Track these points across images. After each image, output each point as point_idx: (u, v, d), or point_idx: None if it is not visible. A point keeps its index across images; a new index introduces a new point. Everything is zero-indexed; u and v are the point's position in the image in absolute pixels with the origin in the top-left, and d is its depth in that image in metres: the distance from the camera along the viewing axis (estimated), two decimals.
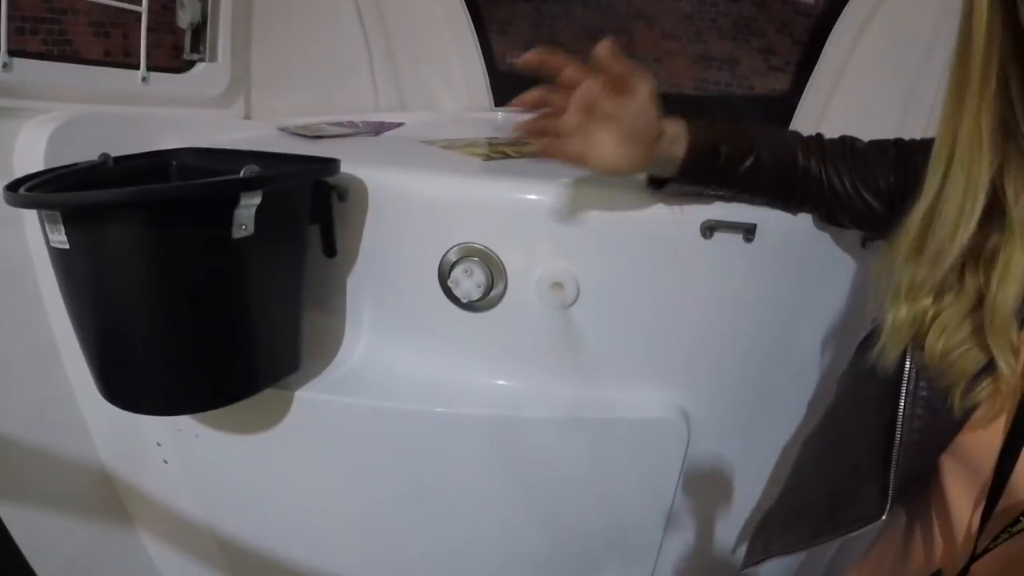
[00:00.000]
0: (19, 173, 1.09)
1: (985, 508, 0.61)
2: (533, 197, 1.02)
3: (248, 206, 0.86)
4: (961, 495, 0.66)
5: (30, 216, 1.14)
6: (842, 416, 0.81)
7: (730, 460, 1.18)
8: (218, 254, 0.88)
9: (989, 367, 0.59)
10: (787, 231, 0.97)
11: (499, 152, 1.27)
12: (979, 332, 0.59)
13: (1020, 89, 0.56)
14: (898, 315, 0.65)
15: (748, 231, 0.98)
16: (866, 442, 0.73)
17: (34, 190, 0.89)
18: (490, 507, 1.15)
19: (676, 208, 0.97)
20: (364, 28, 2.03)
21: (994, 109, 0.57)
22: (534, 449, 1.08)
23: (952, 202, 0.59)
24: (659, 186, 0.92)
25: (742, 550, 0.99)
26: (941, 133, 0.61)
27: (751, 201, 0.94)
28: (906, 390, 0.68)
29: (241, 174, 0.86)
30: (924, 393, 0.66)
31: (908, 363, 0.66)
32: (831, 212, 0.90)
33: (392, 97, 2.11)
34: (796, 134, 0.91)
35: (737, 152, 0.86)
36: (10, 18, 1.15)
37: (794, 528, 0.84)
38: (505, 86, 2.15)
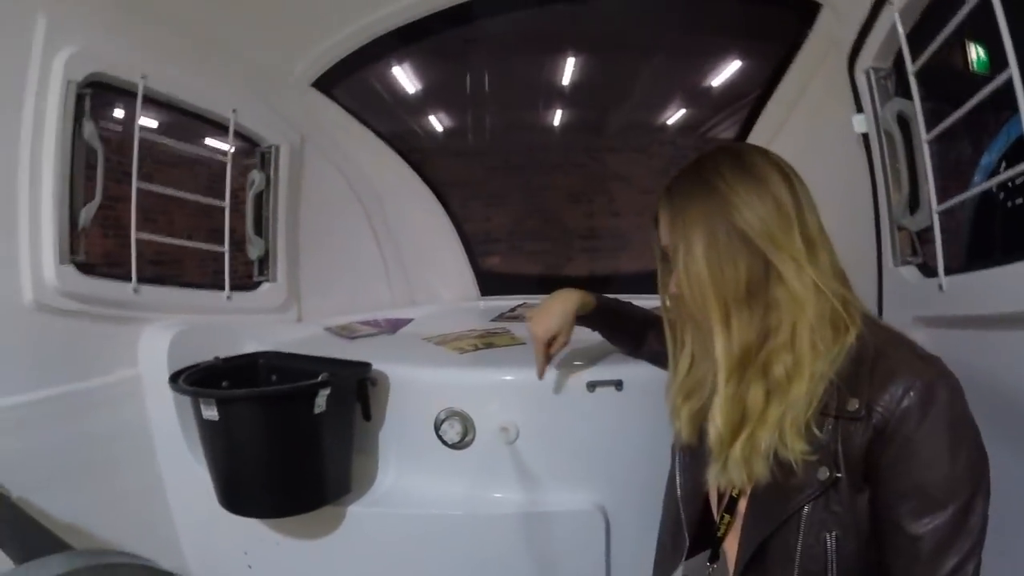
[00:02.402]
0: (143, 363, 1.75)
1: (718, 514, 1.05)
2: (488, 379, 1.69)
3: (322, 395, 1.53)
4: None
5: (150, 394, 1.75)
6: (667, 487, 1.19)
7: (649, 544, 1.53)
8: (305, 422, 1.54)
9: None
10: (645, 381, 1.53)
11: (472, 346, 1.93)
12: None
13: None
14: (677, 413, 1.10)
15: (617, 385, 1.61)
16: (675, 505, 1.14)
17: (183, 381, 1.55)
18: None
19: (569, 376, 1.61)
20: (379, 245, 2.70)
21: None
22: (498, 536, 1.64)
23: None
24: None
25: None
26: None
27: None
28: (679, 457, 1.13)
29: (319, 378, 1.54)
30: (687, 459, 1.11)
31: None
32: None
33: (404, 293, 2.76)
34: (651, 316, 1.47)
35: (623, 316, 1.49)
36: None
37: (661, 565, 1.19)
38: (487, 280, 2.82)
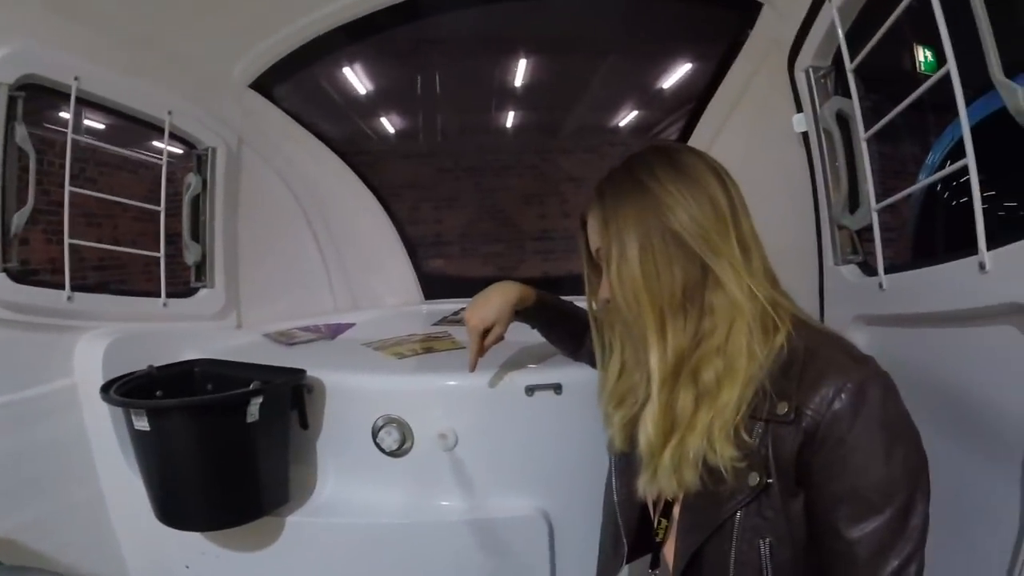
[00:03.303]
0: (78, 371, 1.71)
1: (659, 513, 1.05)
2: (425, 384, 1.68)
3: (255, 404, 1.50)
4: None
5: (87, 404, 1.71)
6: (606, 491, 1.19)
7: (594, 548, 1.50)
8: (238, 431, 1.51)
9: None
10: (584, 384, 1.47)
11: (411, 351, 1.91)
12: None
13: None
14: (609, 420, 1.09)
15: (556, 388, 1.60)
16: (612, 509, 1.14)
17: (115, 391, 1.52)
18: None
19: (507, 380, 1.60)
20: (321, 251, 2.67)
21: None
22: (440, 544, 1.63)
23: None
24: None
25: None
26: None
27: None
28: (614, 462, 1.13)
29: (251, 387, 1.50)
30: (622, 465, 1.10)
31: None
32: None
33: (347, 299, 2.72)
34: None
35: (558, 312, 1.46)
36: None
37: (604, 568, 1.18)
38: (432, 283, 2.81)
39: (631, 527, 1.10)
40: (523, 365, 1.65)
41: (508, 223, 6.05)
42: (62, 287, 1.72)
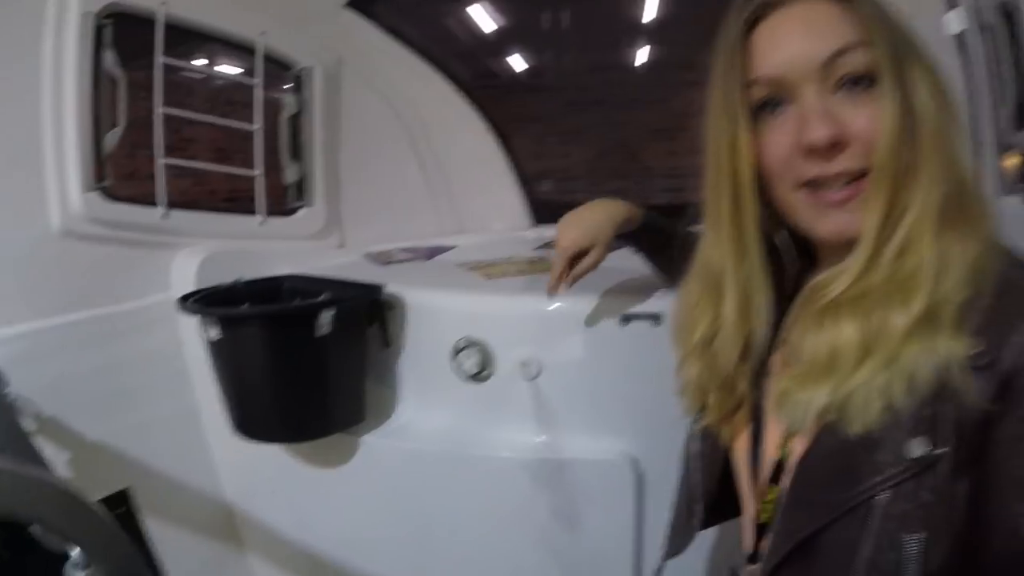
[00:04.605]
0: (175, 287, 1.72)
1: (754, 496, 0.79)
2: (510, 306, 1.54)
3: (325, 317, 1.41)
4: (748, 495, 0.81)
5: (182, 318, 1.71)
6: (685, 446, 0.97)
7: None
8: (307, 343, 1.44)
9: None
10: None
11: (503, 272, 1.78)
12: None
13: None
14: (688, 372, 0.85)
15: (654, 319, 1.41)
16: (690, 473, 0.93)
17: (196, 302, 1.49)
18: (489, 526, 1.57)
19: (600, 307, 1.43)
20: (426, 174, 2.59)
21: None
22: (515, 481, 1.50)
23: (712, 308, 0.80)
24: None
25: None
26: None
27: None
28: (695, 428, 0.90)
29: (320, 298, 1.41)
30: (706, 430, 0.87)
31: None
32: None
33: (452, 222, 2.64)
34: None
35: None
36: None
37: (675, 537, 0.99)
38: (541, 208, 2.66)
39: (710, 487, 0.90)
40: (618, 291, 1.47)
41: (635, 158, 5.79)
42: (155, 205, 1.74)
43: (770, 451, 0.78)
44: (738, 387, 0.81)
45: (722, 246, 0.76)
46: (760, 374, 0.81)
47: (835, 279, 0.67)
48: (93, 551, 0.67)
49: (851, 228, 0.67)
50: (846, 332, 0.65)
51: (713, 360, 0.81)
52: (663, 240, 1.26)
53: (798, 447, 0.71)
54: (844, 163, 0.65)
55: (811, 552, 0.68)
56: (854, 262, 0.66)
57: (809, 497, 0.69)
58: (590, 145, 5.88)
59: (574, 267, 1.25)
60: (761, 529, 0.78)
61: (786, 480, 0.73)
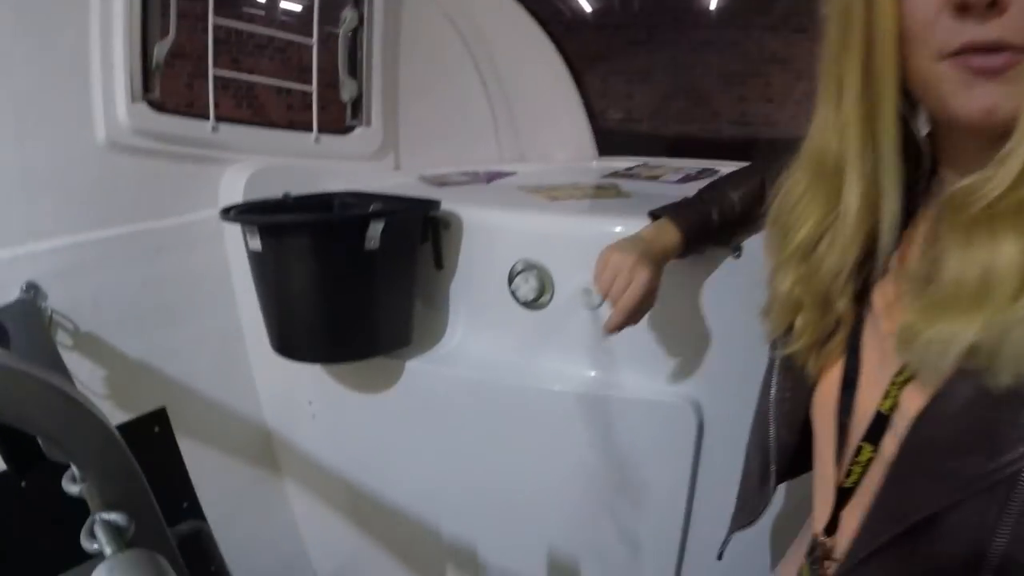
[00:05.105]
0: (222, 204, 1.63)
1: (836, 452, 0.65)
2: (575, 228, 1.41)
3: (375, 229, 1.31)
4: (827, 450, 0.68)
5: (229, 234, 1.65)
6: (760, 398, 0.83)
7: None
8: (354, 258, 1.34)
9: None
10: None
11: (568, 195, 1.65)
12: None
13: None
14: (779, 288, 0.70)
15: (735, 249, 1.27)
16: (765, 417, 0.80)
17: (239, 214, 1.39)
18: (539, 460, 1.48)
19: None
20: (489, 96, 2.45)
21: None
22: (569, 417, 1.41)
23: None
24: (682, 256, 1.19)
25: None
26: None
27: (747, 231, 1.21)
28: (777, 362, 0.76)
29: (370, 209, 1.31)
30: (787, 364, 0.73)
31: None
32: None
33: (513, 150, 2.50)
34: (758, 167, 1.14)
35: (724, 207, 1.15)
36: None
37: (746, 504, 0.89)
38: (607, 139, 2.51)
39: (788, 439, 0.77)
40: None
41: (703, 102, 5.53)
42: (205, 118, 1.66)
43: (867, 400, 0.63)
44: (837, 306, 0.66)
45: (845, 127, 0.61)
46: (861, 302, 0.66)
47: (988, 181, 0.52)
48: (84, 461, 0.59)
49: (1006, 105, 0.51)
50: (1005, 251, 0.49)
51: (814, 269, 0.66)
52: (716, 233, 1.17)
53: (914, 400, 0.56)
54: (1003, 30, 0.50)
55: (924, 537, 0.54)
56: (1014, 158, 0.50)
57: (929, 467, 0.54)
58: (655, 88, 5.63)
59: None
60: (843, 494, 0.65)
61: (890, 441, 0.59)
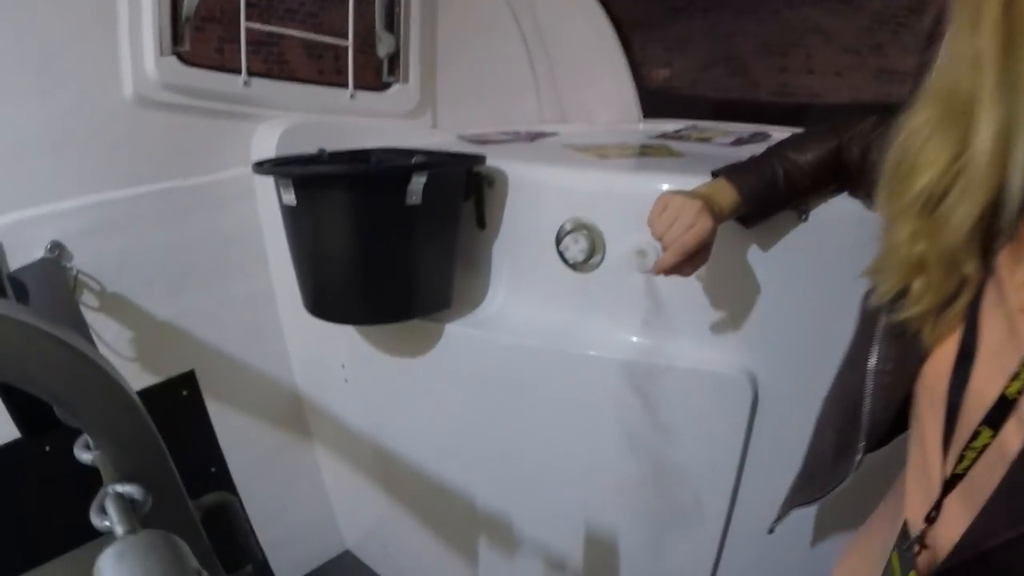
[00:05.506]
0: (255, 160, 1.56)
1: (944, 434, 0.61)
2: (630, 185, 1.31)
3: (417, 183, 1.23)
4: (933, 431, 0.63)
5: (261, 193, 1.60)
6: (844, 370, 0.81)
7: (805, 430, 1.28)
8: (394, 214, 1.27)
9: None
10: (839, 209, 1.12)
11: (618, 153, 1.56)
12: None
13: None
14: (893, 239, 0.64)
15: (802, 210, 1.17)
16: (855, 390, 0.74)
17: (273, 168, 1.33)
18: (580, 430, 1.42)
19: None
20: (529, 53, 2.35)
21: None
22: (617, 385, 1.33)
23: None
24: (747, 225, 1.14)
25: None
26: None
27: (819, 196, 1.13)
28: (882, 329, 0.70)
29: (412, 161, 1.23)
30: (896, 331, 0.66)
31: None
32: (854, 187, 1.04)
33: (555, 111, 2.41)
34: (831, 128, 1.05)
35: (791, 170, 1.06)
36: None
37: (813, 480, 0.87)
38: (653, 100, 2.40)
39: (879, 418, 0.71)
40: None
41: (742, 72, 5.37)
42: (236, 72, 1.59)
43: (985, 379, 0.56)
44: (964, 268, 0.58)
45: (979, 58, 0.53)
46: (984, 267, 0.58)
47: None
48: (97, 425, 0.52)
49: None
50: None
51: (941, 223, 0.58)
52: (784, 195, 1.07)
53: None
54: None
55: None
56: None
57: None
58: (694, 55, 5.48)
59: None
60: (951, 481, 0.59)
61: (1014, 428, 0.52)
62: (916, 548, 0.62)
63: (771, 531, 0.99)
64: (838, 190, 1.11)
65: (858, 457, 0.75)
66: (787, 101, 3.85)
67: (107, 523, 0.50)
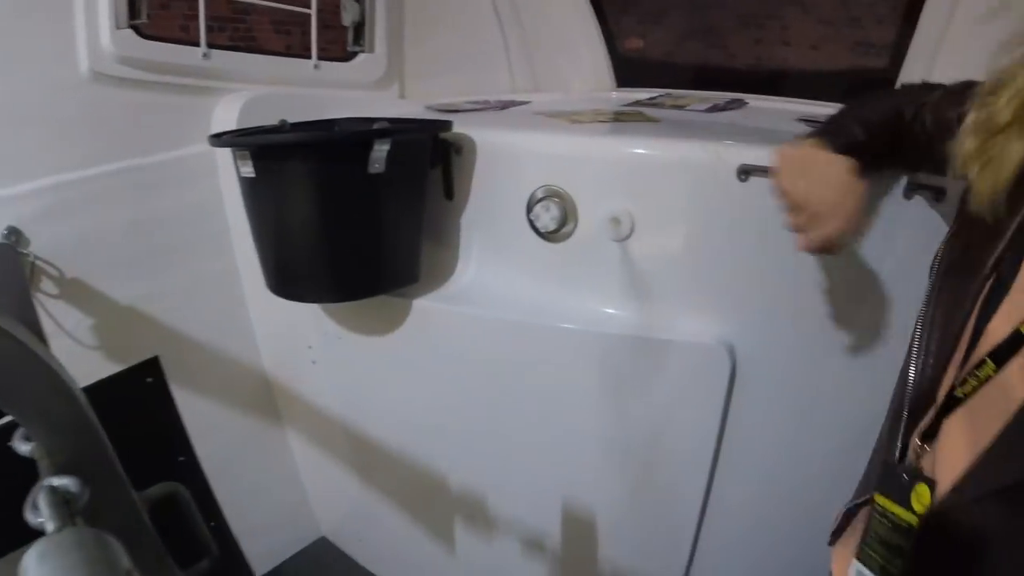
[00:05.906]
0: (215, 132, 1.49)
1: (964, 355, 0.62)
2: (602, 150, 1.26)
3: (380, 150, 1.17)
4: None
5: (223, 169, 1.54)
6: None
7: (783, 401, 1.25)
8: (357, 184, 1.21)
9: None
10: None
11: (591, 119, 1.51)
12: None
13: None
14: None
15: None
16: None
17: (230, 140, 1.25)
18: (556, 405, 1.38)
19: (713, 155, 1.15)
20: (501, 21, 2.28)
21: None
22: (592, 357, 1.30)
23: None
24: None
25: None
26: None
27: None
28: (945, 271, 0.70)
29: (374, 127, 1.17)
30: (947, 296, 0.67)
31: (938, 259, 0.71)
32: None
33: (527, 81, 2.34)
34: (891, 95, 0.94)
35: (870, 129, 0.91)
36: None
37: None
38: (627, 68, 2.34)
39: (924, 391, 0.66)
40: (738, 136, 1.19)
41: (717, 44, 5.33)
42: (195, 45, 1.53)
43: (1003, 320, 0.57)
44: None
45: None
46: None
47: None
48: (31, 416, 0.48)
49: None
50: None
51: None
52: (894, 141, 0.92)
53: None
54: None
55: None
56: None
57: None
58: (670, 26, 5.43)
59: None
60: (950, 403, 0.61)
61: (1018, 368, 0.52)
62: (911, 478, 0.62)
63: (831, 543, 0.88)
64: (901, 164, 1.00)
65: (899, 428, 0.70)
66: (763, 68, 3.81)
67: (40, 519, 0.46)
